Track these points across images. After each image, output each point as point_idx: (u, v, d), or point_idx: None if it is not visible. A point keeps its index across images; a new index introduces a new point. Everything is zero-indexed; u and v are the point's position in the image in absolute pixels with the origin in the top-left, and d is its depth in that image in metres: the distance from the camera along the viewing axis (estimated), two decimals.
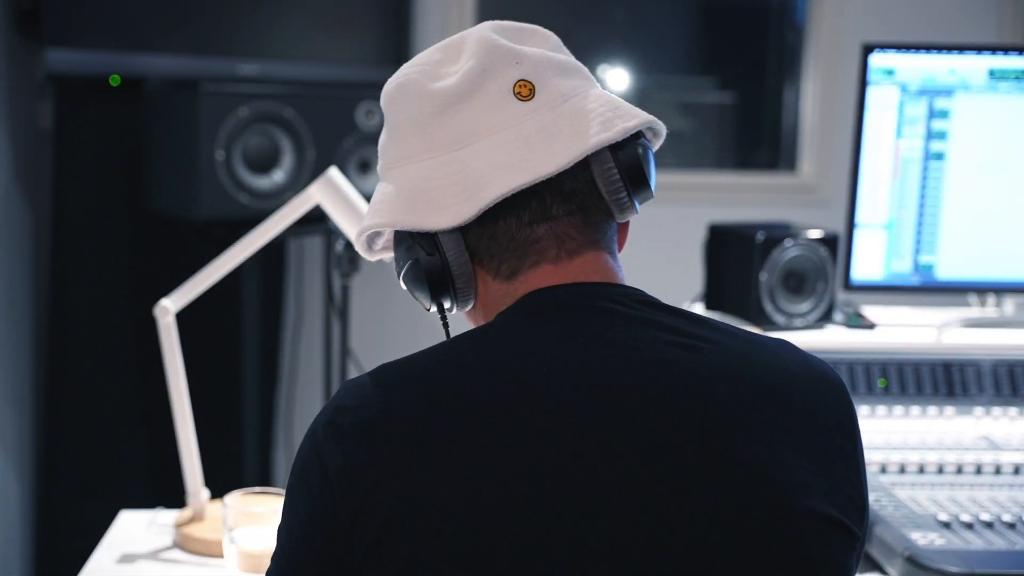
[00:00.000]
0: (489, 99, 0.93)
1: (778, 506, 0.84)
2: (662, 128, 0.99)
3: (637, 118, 0.94)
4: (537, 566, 0.80)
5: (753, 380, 0.88)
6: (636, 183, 0.94)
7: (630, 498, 0.81)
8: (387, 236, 1.03)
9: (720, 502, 0.83)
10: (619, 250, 0.99)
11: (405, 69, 0.98)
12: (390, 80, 0.99)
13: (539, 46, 0.98)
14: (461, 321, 1.02)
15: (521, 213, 0.92)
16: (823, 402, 0.92)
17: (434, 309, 0.99)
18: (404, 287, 0.99)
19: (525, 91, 0.93)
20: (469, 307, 0.99)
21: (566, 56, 0.99)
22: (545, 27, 1.03)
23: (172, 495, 1.92)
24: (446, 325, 1.00)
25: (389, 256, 1.04)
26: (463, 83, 0.93)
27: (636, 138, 0.95)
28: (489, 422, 0.83)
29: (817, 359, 0.96)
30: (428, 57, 0.98)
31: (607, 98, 0.96)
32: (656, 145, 1.01)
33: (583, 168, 0.93)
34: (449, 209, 0.91)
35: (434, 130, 0.94)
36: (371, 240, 1.03)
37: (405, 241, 0.96)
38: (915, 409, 1.78)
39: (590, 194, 0.94)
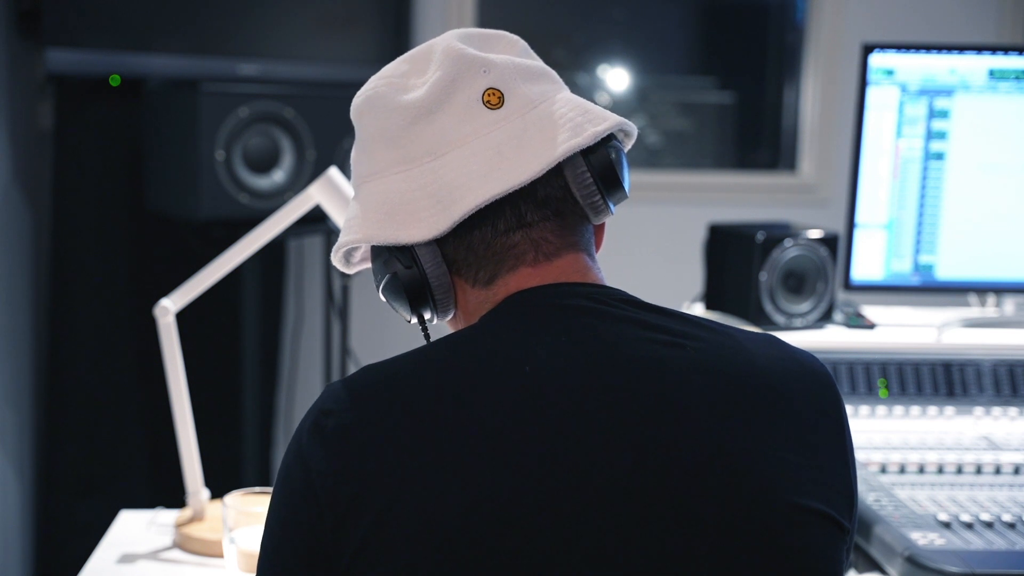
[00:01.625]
0: (458, 109, 0.93)
1: (765, 501, 0.84)
2: (633, 129, 0.99)
3: (607, 121, 0.94)
4: (523, 567, 0.80)
5: (738, 375, 0.89)
6: (609, 186, 0.94)
7: (614, 496, 0.82)
8: (364, 249, 1.03)
9: (706, 498, 0.83)
10: (596, 251, 0.99)
11: (373, 82, 0.98)
12: (358, 94, 0.99)
13: (506, 52, 0.98)
14: (443, 330, 1.02)
15: (496, 222, 0.92)
16: (809, 395, 0.92)
17: (415, 320, 0.99)
18: (383, 300, 0.99)
19: (494, 99, 0.93)
20: (450, 316, 0.99)
21: (534, 60, 0.99)
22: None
23: (172, 495, 1.92)
24: (427, 336, 1.00)
25: (368, 267, 1.04)
26: (432, 94, 0.93)
27: (608, 140, 0.95)
28: (471, 423, 0.83)
29: (804, 352, 0.96)
30: (395, 69, 0.98)
31: (576, 102, 0.96)
32: (628, 145, 1.01)
33: (556, 174, 0.93)
34: (423, 222, 0.92)
35: (405, 143, 0.94)
36: (348, 254, 1.03)
37: (382, 255, 0.96)
38: (915, 409, 1.78)
39: (564, 199, 0.94)
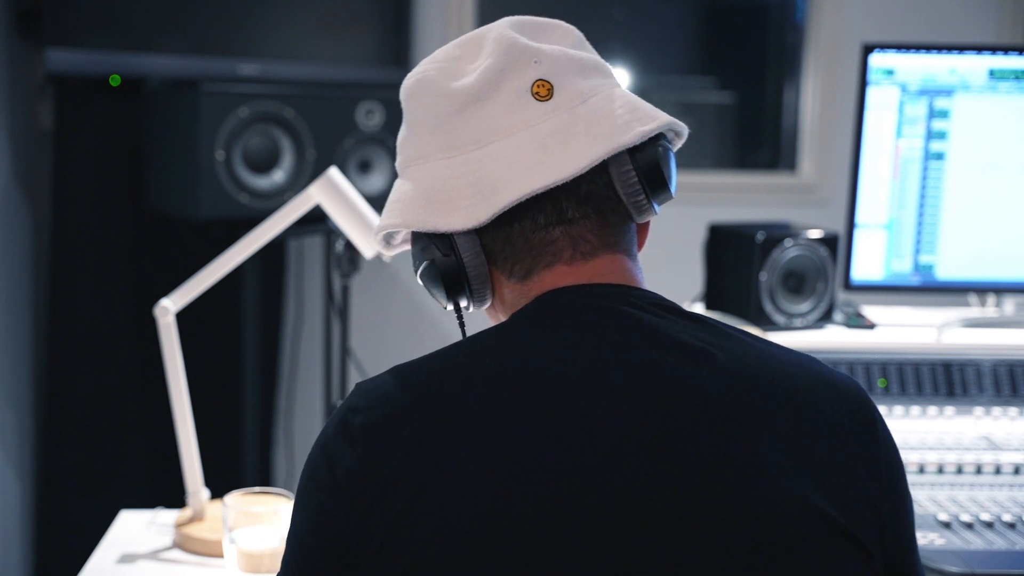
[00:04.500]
0: (506, 99, 0.92)
1: (782, 517, 0.83)
2: (684, 128, 0.97)
3: (656, 121, 0.93)
4: (541, 569, 0.79)
5: (766, 389, 0.87)
6: (655, 185, 0.93)
7: (635, 506, 0.81)
8: (405, 232, 1.03)
9: (725, 514, 0.82)
10: (639, 249, 0.98)
11: (424, 65, 0.98)
12: (409, 75, 0.98)
13: (559, 43, 0.97)
14: (476, 317, 1.02)
15: (536, 216, 0.91)
16: (839, 414, 0.89)
17: (450, 308, 0.98)
18: (421, 283, 0.99)
19: (543, 91, 0.92)
20: (486, 305, 0.98)
21: (587, 53, 0.98)
22: None
23: (172, 495, 1.92)
24: (462, 323, 1.00)
25: (408, 248, 1.03)
26: (481, 82, 0.92)
27: (656, 139, 0.93)
28: (496, 425, 0.83)
29: (840, 373, 0.94)
30: (447, 53, 0.98)
31: (627, 99, 0.95)
32: (678, 144, 0.99)
33: (600, 171, 0.92)
34: (463, 211, 0.91)
35: (451, 129, 0.93)
36: (389, 236, 1.03)
37: (421, 240, 0.96)
38: (915, 409, 1.78)
39: (607, 197, 0.93)
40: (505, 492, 0.80)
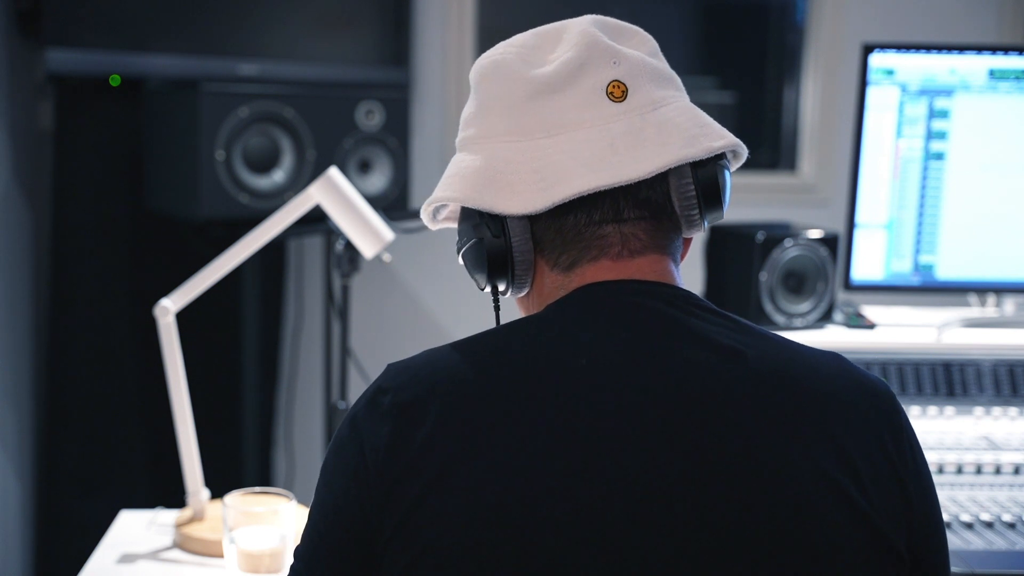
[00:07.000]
0: (581, 94, 0.93)
1: (802, 516, 0.83)
2: (744, 151, 0.99)
3: (723, 139, 0.94)
4: (555, 561, 0.80)
5: (793, 390, 0.88)
6: (710, 202, 0.94)
7: (655, 501, 0.81)
8: (453, 207, 1.03)
9: (743, 512, 0.82)
10: (681, 260, 0.99)
11: (502, 48, 0.99)
12: (485, 55, 0.99)
13: (637, 49, 0.98)
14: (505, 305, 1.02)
15: (592, 212, 0.92)
16: (865, 415, 0.90)
17: (488, 289, 0.99)
18: (461, 262, 0.99)
19: (618, 92, 0.93)
20: (523, 293, 0.99)
21: (662, 63, 0.99)
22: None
23: (172, 495, 1.92)
24: (497, 308, 1.00)
25: (452, 226, 1.04)
26: (559, 73, 0.93)
27: (718, 158, 0.95)
28: (521, 413, 0.83)
29: (868, 374, 0.95)
30: (525, 40, 0.99)
31: (695, 113, 0.96)
32: (735, 166, 1.01)
33: (661, 179, 0.93)
34: (520, 195, 0.92)
35: (522, 115, 0.94)
36: (436, 210, 1.03)
37: (472, 218, 0.96)
38: (915, 409, 1.78)
39: (663, 205, 0.94)
40: (523, 481, 0.81)
